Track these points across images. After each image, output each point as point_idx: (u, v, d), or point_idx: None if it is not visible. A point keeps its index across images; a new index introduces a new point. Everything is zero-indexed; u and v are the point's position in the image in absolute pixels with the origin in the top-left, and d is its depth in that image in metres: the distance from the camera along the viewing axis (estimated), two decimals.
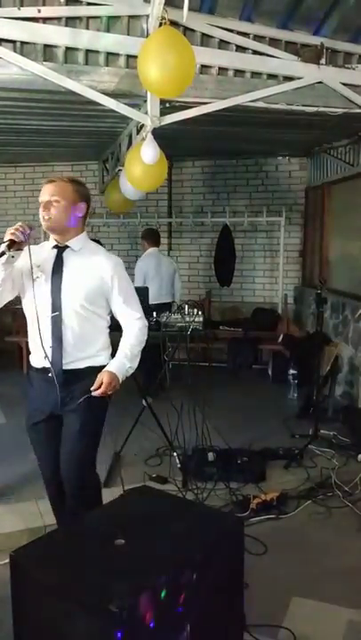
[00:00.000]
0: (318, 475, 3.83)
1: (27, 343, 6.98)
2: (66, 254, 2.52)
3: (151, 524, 2.20)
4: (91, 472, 2.66)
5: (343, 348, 5.31)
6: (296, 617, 2.53)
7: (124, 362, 2.52)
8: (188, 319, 3.91)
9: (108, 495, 3.04)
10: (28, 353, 2.65)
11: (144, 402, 4.07)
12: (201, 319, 3.97)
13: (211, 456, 3.80)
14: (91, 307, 2.50)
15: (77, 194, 2.50)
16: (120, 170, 5.06)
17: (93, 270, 2.50)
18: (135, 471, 3.82)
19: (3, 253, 2.32)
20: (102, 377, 2.46)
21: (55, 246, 2.53)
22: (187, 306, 4.09)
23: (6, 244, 2.32)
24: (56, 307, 2.46)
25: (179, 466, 3.78)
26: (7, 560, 2.70)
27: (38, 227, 2.50)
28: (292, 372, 5.51)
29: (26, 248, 2.39)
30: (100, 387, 2.44)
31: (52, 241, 2.56)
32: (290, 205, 6.99)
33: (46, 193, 2.47)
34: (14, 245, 2.33)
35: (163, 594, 1.84)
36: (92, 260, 2.53)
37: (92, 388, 2.45)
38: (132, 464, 3.97)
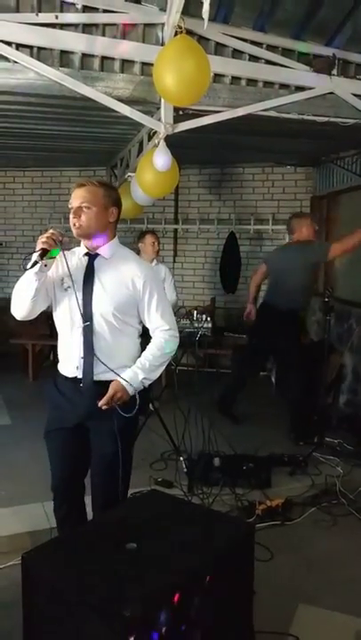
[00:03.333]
0: (323, 482, 3.84)
1: (33, 346, 6.99)
2: (97, 262, 2.43)
3: (162, 528, 2.19)
4: (126, 490, 2.56)
5: (347, 357, 5.32)
6: (303, 624, 2.53)
7: (138, 372, 2.41)
8: (196, 325, 3.93)
9: None
10: (55, 360, 2.60)
11: (151, 406, 4.09)
12: (210, 325, 4.00)
13: (217, 461, 3.82)
14: (122, 316, 2.42)
15: (109, 199, 2.41)
16: (130, 176, 5.10)
17: (125, 278, 2.41)
18: (141, 475, 3.82)
19: (35, 262, 2.24)
20: (110, 385, 2.38)
21: (86, 254, 2.45)
22: (195, 312, 4.11)
23: (39, 252, 2.26)
24: (87, 316, 2.38)
25: (185, 470, 3.79)
26: (12, 562, 2.76)
27: (69, 236, 2.41)
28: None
29: (58, 256, 2.33)
30: (110, 399, 2.35)
31: (82, 247, 2.48)
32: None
33: (77, 198, 2.37)
34: (47, 254, 2.27)
35: (175, 600, 1.85)
36: (124, 267, 2.44)
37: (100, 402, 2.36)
38: (137, 467, 3.94)
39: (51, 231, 2.31)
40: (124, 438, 2.43)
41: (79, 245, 2.52)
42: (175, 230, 7.26)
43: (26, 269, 2.30)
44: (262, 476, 3.78)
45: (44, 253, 2.27)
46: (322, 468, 4.04)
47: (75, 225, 2.37)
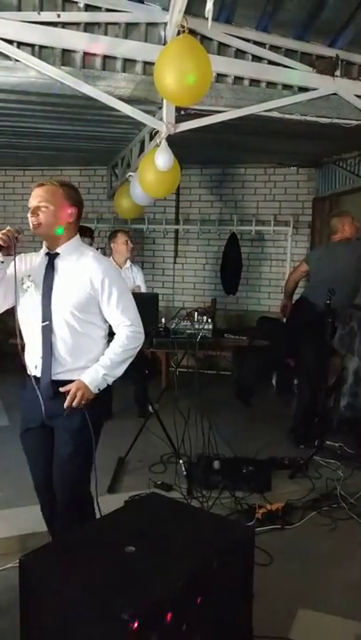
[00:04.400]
0: (323, 486, 3.81)
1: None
2: (57, 261, 2.45)
3: (161, 531, 2.18)
4: (84, 492, 2.54)
5: (349, 360, 5.29)
6: (303, 629, 2.51)
7: (100, 370, 2.41)
8: (197, 326, 3.91)
9: (114, 501, 3.05)
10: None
11: (150, 408, 4.06)
12: (210, 327, 3.97)
13: (216, 464, 3.79)
14: (83, 315, 2.42)
15: (68, 198, 2.43)
16: (130, 175, 5.08)
17: (84, 277, 2.42)
18: (139, 478, 3.81)
19: None
20: (72, 384, 2.38)
21: (47, 253, 2.48)
22: (196, 313, 4.08)
23: None
24: (46, 316, 2.40)
25: (185, 473, 3.76)
26: (9, 565, 2.74)
27: (26, 230, 2.43)
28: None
29: (18, 256, 2.37)
30: (72, 399, 2.36)
31: (44, 247, 2.50)
32: (297, 215, 7.00)
33: (35, 197, 2.40)
34: (2, 250, 2.30)
35: (174, 604, 1.83)
36: (83, 265, 2.44)
37: (61, 389, 2.39)
38: (136, 470, 3.96)
39: (8, 227, 2.33)
40: (83, 438, 2.42)
41: (40, 244, 2.53)
42: (176, 231, 7.24)
43: None
44: (262, 479, 3.75)
45: (0, 249, 2.30)
46: (322, 472, 4.01)
47: (33, 224, 2.40)
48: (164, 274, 7.34)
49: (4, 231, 2.31)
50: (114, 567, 1.94)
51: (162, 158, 3.71)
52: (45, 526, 2.74)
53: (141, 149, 4.80)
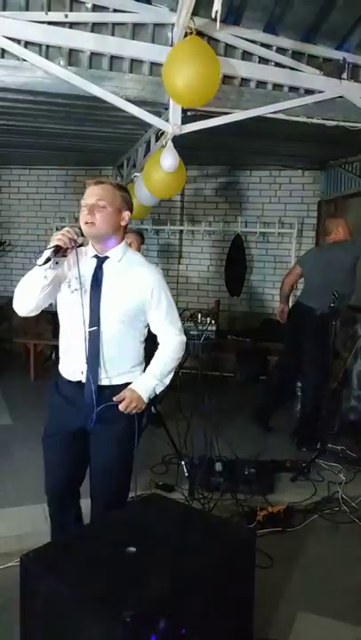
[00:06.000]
0: (325, 489, 3.81)
1: (35, 345, 6.94)
2: (106, 265, 2.37)
3: (163, 532, 2.18)
4: (126, 496, 2.54)
5: (352, 363, 5.29)
6: (302, 632, 2.51)
7: (152, 381, 2.39)
8: (200, 328, 3.91)
9: None
10: (56, 360, 2.55)
11: (153, 409, 4.06)
12: (214, 328, 3.97)
13: (218, 466, 3.79)
14: (130, 321, 2.38)
15: (124, 201, 2.35)
16: (136, 176, 5.08)
17: (134, 284, 2.36)
18: (141, 478, 3.81)
19: (48, 259, 2.18)
20: (125, 394, 2.36)
21: (95, 256, 2.39)
22: (200, 314, 4.08)
23: (52, 249, 2.19)
24: (94, 321, 2.32)
25: (186, 474, 3.76)
26: (10, 564, 2.74)
27: (84, 238, 2.35)
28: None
29: (70, 255, 2.28)
30: (122, 400, 2.35)
31: (91, 249, 2.41)
32: (302, 218, 7.00)
33: (93, 195, 2.28)
34: (60, 252, 2.21)
35: (174, 604, 1.83)
36: (133, 272, 2.38)
37: (114, 398, 2.36)
38: (137, 471, 3.94)
39: (67, 228, 2.25)
40: (127, 444, 2.41)
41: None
42: (180, 232, 7.24)
43: (36, 265, 2.22)
44: (264, 481, 3.75)
45: (58, 250, 2.21)
46: (324, 475, 4.01)
47: (87, 222, 2.28)
48: (168, 274, 7.32)
49: (62, 232, 2.22)
50: (114, 567, 1.95)
51: (167, 159, 3.70)
52: (46, 524, 2.73)
53: (147, 150, 4.80)
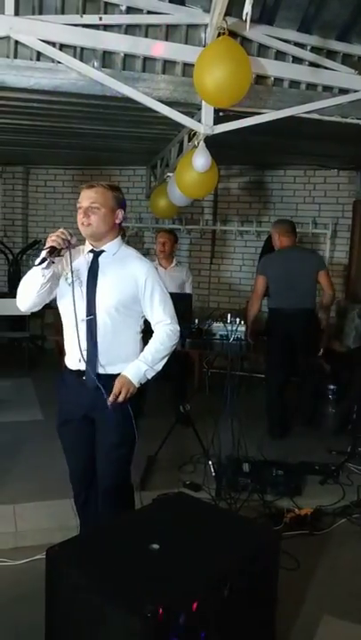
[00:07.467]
0: (354, 493, 3.76)
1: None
2: (102, 258, 2.54)
3: (187, 531, 2.20)
4: (126, 479, 2.68)
5: None
6: (326, 636, 2.48)
7: (142, 365, 2.51)
8: (229, 328, 3.90)
9: (143, 498, 3.07)
10: (63, 354, 2.69)
11: (181, 408, 4.08)
12: (243, 328, 3.96)
13: (246, 467, 3.78)
14: (125, 310, 2.52)
15: (116, 201, 2.52)
16: (168, 176, 5.10)
17: (128, 274, 2.52)
18: (169, 476, 3.83)
19: (44, 260, 2.34)
20: (116, 381, 2.47)
21: (91, 250, 2.56)
22: (229, 315, 4.08)
23: (47, 250, 2.35)
24: (91, 310, 2.49)
25: (214, 474, 3.76)
26: (37, 557, 2.79)
27: (80, 237, 2.51)
28: (331, 386, 5.42)
29: (66, 254, 2.43)
30: (117, 394, 2.45)
31: (87, 245, 2.58)
32: (337, 218, 6.91)
33: (86, 199, 2.47)
34: (55, 252, 2.37)
35: (196, 604, 1.84)
36: (127, 264, 2.55)
37: (109, 399, 2.46)
38: (165, 469, 3.97)
39: (61, 230, 2.40)
40: (123, 430, 2.53)
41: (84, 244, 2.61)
42: (213, 231, 7.23)
43: (34, 265, 2.38)
44: (292, 483, 3.72)
45: (53, 251, 2.36)
46: (353, 479, 3.95)
47: (84, 223, 2.47)
48: (199, 274, 7.33)
49: (57, 233, 2.38)
50: (138, 563, 1.97)
51: (200, 160, 3.71)
52: (74, 519, 2.79)
53: (180, 150, 4.82)
